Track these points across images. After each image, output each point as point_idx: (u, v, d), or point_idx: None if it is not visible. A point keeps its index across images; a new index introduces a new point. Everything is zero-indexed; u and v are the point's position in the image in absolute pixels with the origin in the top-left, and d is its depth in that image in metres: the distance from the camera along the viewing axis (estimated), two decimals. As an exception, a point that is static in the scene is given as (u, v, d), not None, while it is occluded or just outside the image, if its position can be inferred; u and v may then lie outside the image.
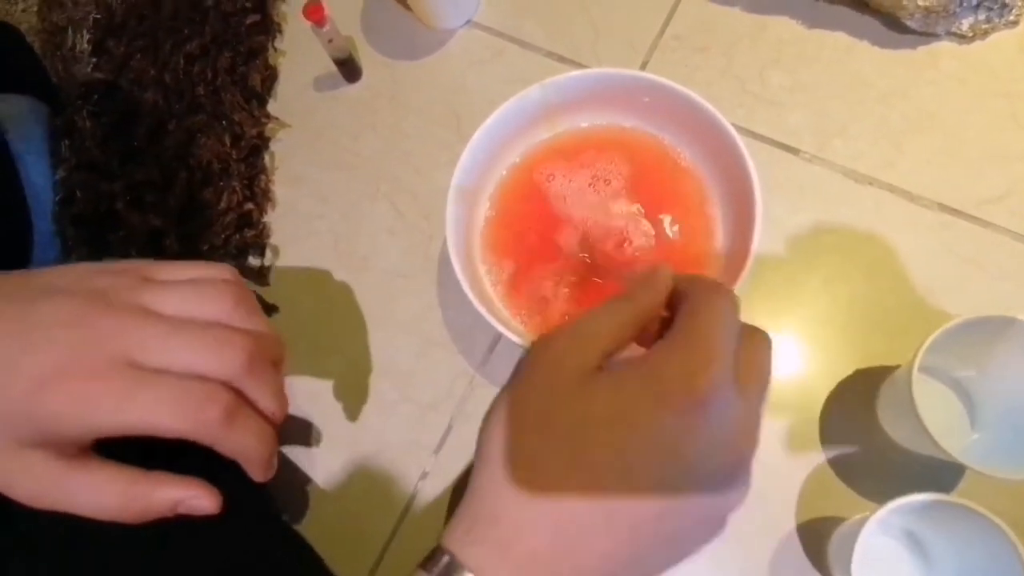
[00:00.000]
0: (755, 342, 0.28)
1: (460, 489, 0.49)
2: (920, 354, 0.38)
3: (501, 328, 0.42)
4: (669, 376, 0.25)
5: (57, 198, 0.56)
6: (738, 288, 0.40)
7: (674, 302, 0.30)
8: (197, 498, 0.33)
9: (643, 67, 0.56)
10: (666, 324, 0.29)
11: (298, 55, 0.62)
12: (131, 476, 0.32)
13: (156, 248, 0.54)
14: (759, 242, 0.41)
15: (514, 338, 0.42)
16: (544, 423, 0.26)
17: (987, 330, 0.39)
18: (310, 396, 0.53)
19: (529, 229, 0.48)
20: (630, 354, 0.29)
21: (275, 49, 0.62)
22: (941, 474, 0.44)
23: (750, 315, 0.49)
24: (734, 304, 0.28)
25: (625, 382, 0.26)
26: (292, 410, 0.53)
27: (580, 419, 0.26)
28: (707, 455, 0.25)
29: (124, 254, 0.54)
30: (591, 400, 0.26)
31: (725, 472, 0.26)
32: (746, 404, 0.26)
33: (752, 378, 0.27)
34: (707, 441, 0.25)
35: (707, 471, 0.26)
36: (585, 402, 0.26)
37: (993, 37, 0.53)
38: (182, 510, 0.33)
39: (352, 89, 0.60)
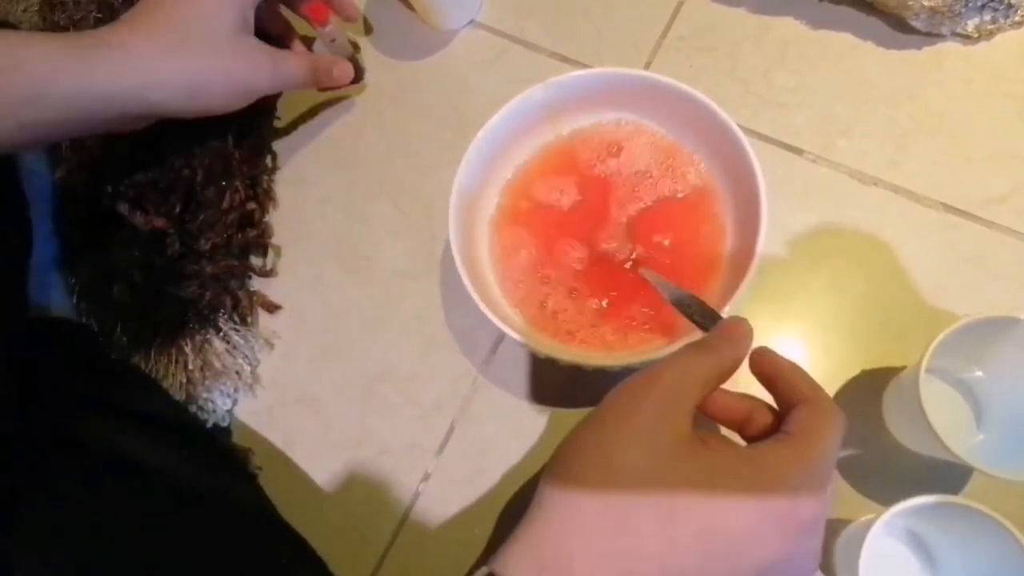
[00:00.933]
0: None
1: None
2: (927, 356, 0.38)
3: (505, 328, 0.42)
4: (778, 478, 0.25)
5: (57, 197, 0.56)
6: (743, 289, 0.40)
7: (776, 387, 0.30)
8: (339, 68, 0.54)
9: (646, 67, 0.56)
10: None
11: (300, 55, 0.62)
12: (308, 55, 0.57)
13: (158, 248, 0.54)
14: (764, 242, 0.41)
15: (517, 338, 0.42)
16: (643, 483, 0.25)
17: (993, 331, 0.39)
18: (311, 397, 0.52)
19: (533, 229, 0.48)
20: (724, 433, 0.30)
21: (277, 49, 0.62)
22: (947, 476, 0.44)
23: (756, 315, 0.49)
24: (843, 432, 0.29)
25: (730, 465, 0.26)
26: (297, 413, 0.53)
27: (680, 485, 0.25)
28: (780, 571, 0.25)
29: (125, 254, 0.53)
30: (692, 471, 0.25)
31: None
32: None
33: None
34: (784, 559, 0.25)
35: None
36: (686, 472, 0.25)
37: (998, 38, 0.53)
38: (336, 76, 0.54)
39: (354, 89, 0.60)
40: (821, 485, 0.26)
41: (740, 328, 0.31)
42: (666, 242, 0.46)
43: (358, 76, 0.59)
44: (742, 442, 0.31)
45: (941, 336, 0.38)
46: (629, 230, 0.47)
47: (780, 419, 0.30)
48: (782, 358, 0.31)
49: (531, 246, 0.48)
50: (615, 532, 0.25)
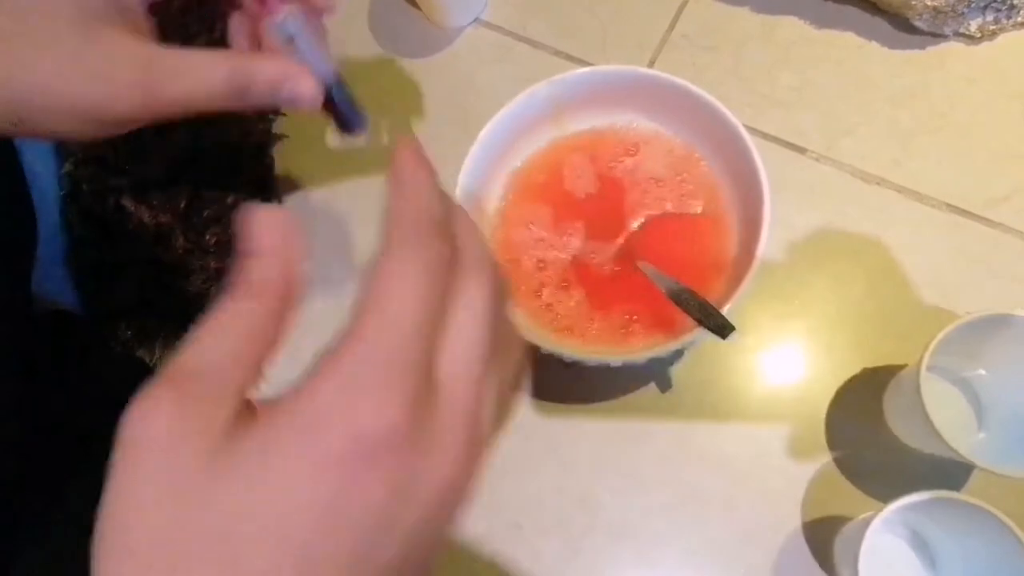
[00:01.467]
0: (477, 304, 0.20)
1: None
2: (928, 353, 0.38)
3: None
4: (326, 424, 0.17)
5: (63, 192, 0.56)
6: (746, 286, 0.40)
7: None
8: (294, 82, 0.32)
9: (651, 66, 0.57)
10: None
11: (306, 52, 0.62)
12: (235, 55, 0.33)
13: (163, 243, 0.54)
14: (767, 241, 0.41)
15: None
16: (173, 549, 0.16)
17: (994, 329, 0.39)
18: (316, 392, 0.53)
19: (537, 227, 0.48)
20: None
21: (283, 46, 0.62)
22: (948, 473, 0.44)
23: (758, 313, 0.49)
24: (436, 259, 0.19)
25: (271, 453, 0.17)
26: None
27: (222, 528, 0.16)
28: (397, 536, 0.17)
29: (131, 249, 0.54)
30: (226, 496, 0.16)
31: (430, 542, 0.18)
32: (451, 431, 0.18)
33: (468, 377, 0.19)
34: (388, 511, 0.17)
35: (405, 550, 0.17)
36: (220, 502, 0.16)
37: (1001, 38, 0.53)
38: (284, 94, 0.33)
39: (359, 86, 0.60)
40: (395, 381, 0.17)
41: (263, 224, 0.20)
42: (676, 235, 0.46)
43: (354, 124, 0.38)
44: None
45: (942, 334, 0.38)
46: (632, 235, 0.47)
47: None
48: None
49: (536, 243, 0.48)
50: None
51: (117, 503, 0.17)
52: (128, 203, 0.55)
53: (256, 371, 0.19)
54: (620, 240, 0.47)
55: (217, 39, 0.59)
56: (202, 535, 0.16)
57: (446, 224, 0.21)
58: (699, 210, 0.47)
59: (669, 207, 0.47)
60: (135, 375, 0.51)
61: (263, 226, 0.19)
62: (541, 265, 0.47)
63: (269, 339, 0.19)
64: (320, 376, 0.17)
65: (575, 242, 0.47)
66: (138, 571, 0.16)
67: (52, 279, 0.54)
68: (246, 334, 0.19)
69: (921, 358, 0.38)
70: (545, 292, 0.46)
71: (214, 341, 0.18)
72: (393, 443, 0.17)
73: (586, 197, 0.48)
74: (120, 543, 0.17)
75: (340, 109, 0.34)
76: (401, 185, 0.21)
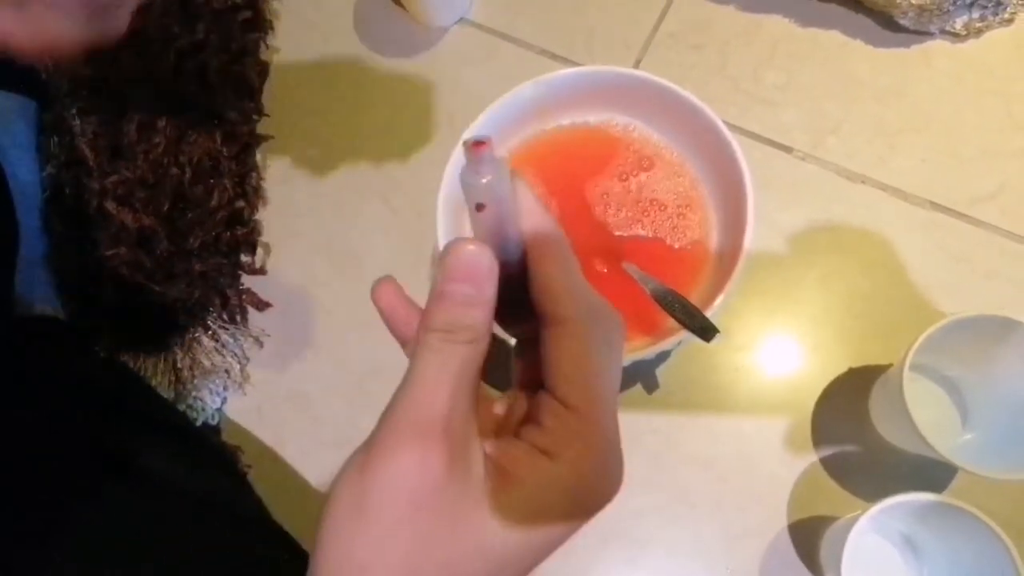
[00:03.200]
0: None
1: None
2: (911, 353, 0.38)
3: (495, 329, 0.41)
4: (590, 497, 0.21)
5: (45, 194, 0.56)
6: (730, 286, 0.40)
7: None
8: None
9: (637, 65, 0.56)
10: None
11: (290, 52, 0.62)
12: None
13: (146, 246, 0.54)
14: (751, 240, 0.41)
15: (508, 338, 0.42)
16: None
17: (979, 329, 0.39)
18: (302, 396, 0.52)
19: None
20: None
21: (267, 46, 0.62)
22: (933, 473, 0.44)
23: (744, 313, 0.49)
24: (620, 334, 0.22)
25: (546, 512, 0.20)
26: (287, 411, 0.52)
27: (497, 560, 0.20)
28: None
29: (114, 252, 0.53)
30: (507, 540, 0.20)
31: None
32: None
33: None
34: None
35: None
36: (500, 544, 0.20)
37: (987, 35, 0.53)
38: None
39: (344, 86, 0.60)
40: (620, 469, 0.22)
41: (477, 267, 0.21)
42: (658, 236, 0.46)
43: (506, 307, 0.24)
44: None
45: (925, 334, 0.38)
46: (618, 243, 0.46)
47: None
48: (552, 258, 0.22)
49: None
50: None
51: (399, 545, 0.19)
52: (111, 205, 0.55)
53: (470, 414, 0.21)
54: (602, 241, 0.47)
55: (199, 40, 0.59)
56: (480, 566, 0.20)
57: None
58: (684, 245, 0.46)
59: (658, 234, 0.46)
60: (117, 379, 0.51)
61: (479, 269, 0.20)
62: None
63: (476, 384, 0.22)
64: (580, 456, 0.21)
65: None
66: None
67: (34, 283, 0.54)
68: (474, 382, 0.21)
69: (904, 358, 0.38)
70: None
71: (458, 392, 0.20)
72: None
73: (572, 204, 0.48)
74: None
75: (510, 297, 0.23)
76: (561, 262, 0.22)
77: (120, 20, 0.33)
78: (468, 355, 0.21)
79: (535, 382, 0.22)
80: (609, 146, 0.49)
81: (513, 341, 0.26)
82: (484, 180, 0.20)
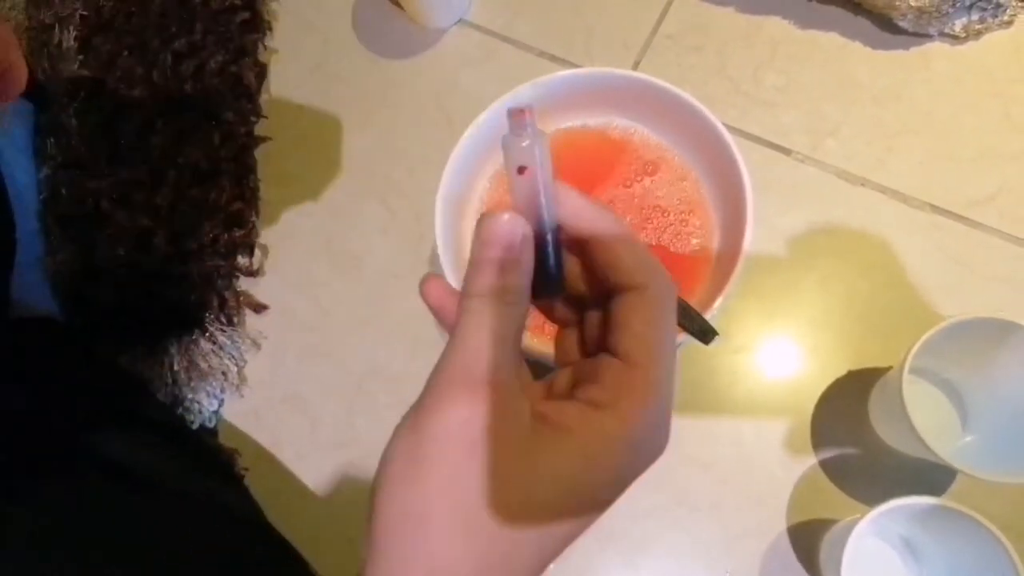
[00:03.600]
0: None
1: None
2: (910, 356, 0.38)
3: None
4: (636, 452, 0.22)
5: (42, 196, 0.56)
6: (729, 289, 0.40)
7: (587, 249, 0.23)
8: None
9: (635, 67, 0.56)
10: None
11: (289, 53, 0.61)
12: None
13: (144, 248, 0.53)
14: (751, 242, 0.41)
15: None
16: (502, 522, 0.21)
17: (978, 332, 0.39)
18: (299, 399, 0.52)
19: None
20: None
21: (265, 47, 0.61)
22: (933, 476, 0.44)
23: (743, 315, 0.49)
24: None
25: (591, 464, 0.21)
26: (284, 413, 0.52)
27: (541, 506, 0.21)
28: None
29: (111, 254, 0.53)
30: (552, 488, 0.21)
31: None
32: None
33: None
34: (636, 476, 0.23)
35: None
36: (545, 490, 0.21)
37: (986, 38, 0.53)
38: None
39: (343, 88, 0.59)
40: (667, 430, 0.23)
41: (512, 234, 0.22)
42: (658, 237, 0.46)
43: (547, 277, 0.25)
44: None
45: (924, 337, 0.38)
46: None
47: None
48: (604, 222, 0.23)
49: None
50: None
51: (449, 489, 0.20)
52: (108, 206, 0.55)
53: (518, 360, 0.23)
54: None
55: (197, 40, 0.59)
56: (526, 511, 0.20)
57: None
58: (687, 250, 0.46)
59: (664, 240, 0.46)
60: (113, 382, 0.51)
61: (513, 236, 0.22)
62: None
63: (519, 336, 0.23)
64: (631, 408, 0.21)
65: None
66: (476, 538, 0.20)
67: (30, 284, 0.53)
68: (515, 342, 0.23)
69: (903, 361, 0.38)
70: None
71: (503, 347, 0.22)
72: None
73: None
74: (459, 522, 0.20)
75: (545, 265, 0.24)
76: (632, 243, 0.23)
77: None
78: (508, 315, 0.22)
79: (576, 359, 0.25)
80: (612, 151, 0.48)
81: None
82: (525, 143, 0.22)
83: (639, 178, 0.47)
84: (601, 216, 0.23)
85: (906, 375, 0.37)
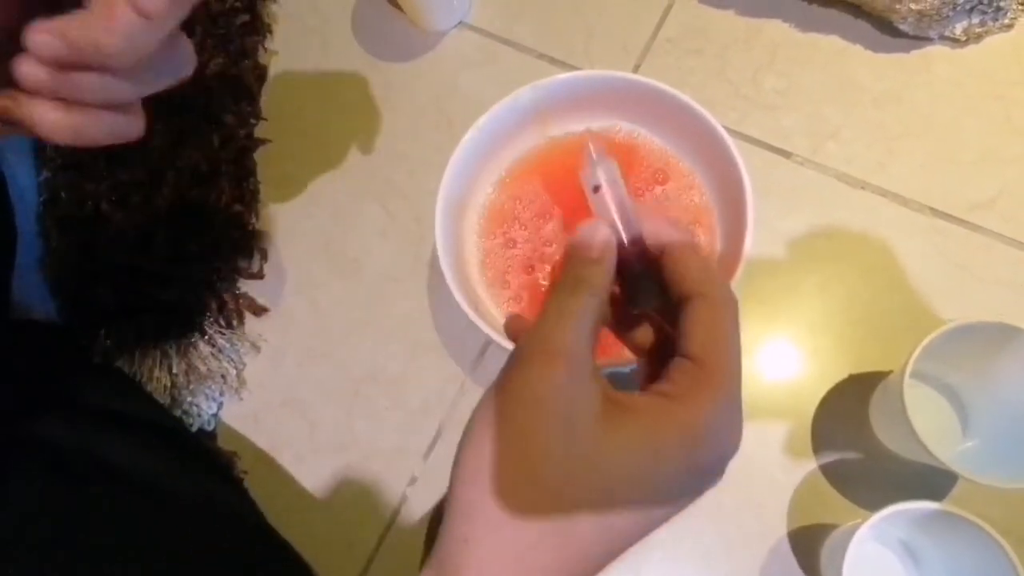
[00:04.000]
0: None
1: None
2: (911, 360, 0.38)
3: (493, 335, 0.41)
4: (705, 442, 0.23)
5: (42, 199, 0.56)
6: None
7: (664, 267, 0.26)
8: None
9: (636, 70, 0.56)
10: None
11: (289, 56, 0.61)
12: None
13: (143, 250, 0.53)
14: (751, 245, 0.41)
15: (505, 344, 0.42)
16: (574, 484, 0.23)
17: (979, 336, 0.39)
18: (297, 400, 0.52)
19: (521, 232, 0.48)
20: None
21: (266, 49, 0.61)
22: (934, 481, 0.44)
23: (743, 319, 0.49)
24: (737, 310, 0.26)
25: (655, 429, 0.23)
26: (283, 416, 0.52)
27: (612, 471, 0.23)
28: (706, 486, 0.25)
29: (110, 256, 0.53)
30: (619, 452, 0.23)
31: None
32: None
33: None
34: (711, 478, 0.25)
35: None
36: (613, 455, 0.23)
37: (987, 41, 0.53)
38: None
39: (343, 90, 0.59)
40: (739, 428, 0.25)
41: (594, 242, 0.26)
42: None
43: (636, 289, 0.28)
44: None
45: (925, 341, 0.37)
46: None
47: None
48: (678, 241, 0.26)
49: (520, 248, 0.47)
50: (556, 548, 0.23)
51: (519, 442, 0.23)
52: (107, 208, 0.54)
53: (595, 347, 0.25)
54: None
55: (197, 43, 0.59)
56: (590, 477, 0.22)
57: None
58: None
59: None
60: (112, 384, 0.51)
61: (602, 240, 0.26)
62: (529, 267, 0.47)
63: (600, 323, 0.26)
64: (699, 399, 0.23)
65: (558, 251, 0.47)
66: (539, 494, 0.22)
67: (30, 287, 0.53)
68: (594, 329, 0.25)
69: (904, 365, 0.38)
70: (526, 296, 0.46)
71: (579, 328, 0.24)
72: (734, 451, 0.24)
73: (570, 206, 0.48)
74: (524, 473, 0.23)
75: (636, 277, 0.28)
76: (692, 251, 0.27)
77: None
78: (589, 304, 0.25)
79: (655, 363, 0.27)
80: (620, 158, 0.48)
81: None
82: (592, 168, 0.28)
83: (650, 187, 0.47)
84: (674, 228, 0.27)
85: (907, 379, 0.37)
